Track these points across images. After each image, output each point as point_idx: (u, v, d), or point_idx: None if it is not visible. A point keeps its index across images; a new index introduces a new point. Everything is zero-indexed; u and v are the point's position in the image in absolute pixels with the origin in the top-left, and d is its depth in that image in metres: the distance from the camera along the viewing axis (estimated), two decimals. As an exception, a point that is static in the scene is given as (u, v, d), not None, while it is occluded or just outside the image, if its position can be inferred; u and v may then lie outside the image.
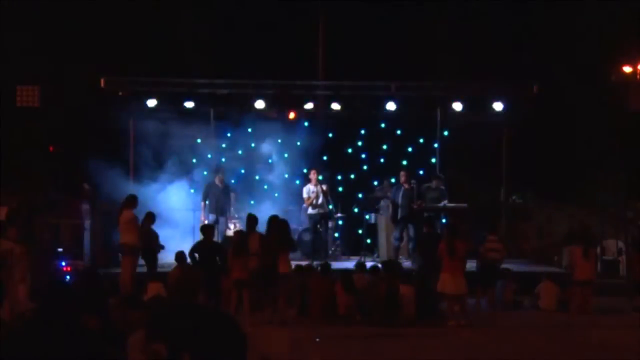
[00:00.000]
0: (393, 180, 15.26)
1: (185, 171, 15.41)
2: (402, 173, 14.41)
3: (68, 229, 13.93)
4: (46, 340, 3.80)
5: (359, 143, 16.53)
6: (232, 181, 15.10)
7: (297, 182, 15.53)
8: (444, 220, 14.38)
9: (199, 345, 3.30)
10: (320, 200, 14.34)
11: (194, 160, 15.80)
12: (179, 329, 3.33)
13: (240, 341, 3.45)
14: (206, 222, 13.65)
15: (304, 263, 12.77)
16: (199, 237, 13.70)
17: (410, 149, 16.39)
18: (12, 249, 9.88)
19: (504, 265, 12.59)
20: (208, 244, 11.64)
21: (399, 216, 14.17)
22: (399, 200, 14.11)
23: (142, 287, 11.71)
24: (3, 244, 9.92)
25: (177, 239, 13.77)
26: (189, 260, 11.31)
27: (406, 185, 14.16)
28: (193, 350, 3.29)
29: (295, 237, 14.58)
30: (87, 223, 13.66)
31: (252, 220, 11.23)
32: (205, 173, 15.33)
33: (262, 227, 11.25)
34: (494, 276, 12.00)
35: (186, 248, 11.82)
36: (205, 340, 3.30)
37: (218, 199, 14.09)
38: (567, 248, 15.05)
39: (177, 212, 14.75)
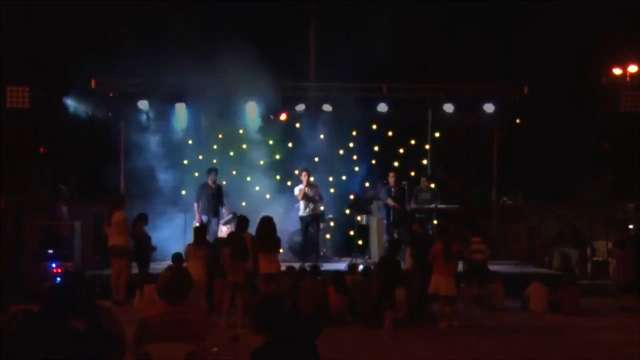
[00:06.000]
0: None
1: (176, 173, 15.38)
2: (390, 174, 14.44)
3: (58, 230, 13.88)
4: (35, 341, 3.79)
5: (351, 144, 16.53)
6: (224, 182, 15.07)
7: (289, 183, 15.52)
8: (435, 222, 14.39)
9: None
10: (311, 202, 14.32)
11: (185, 162, 15.77)
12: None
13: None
14: (198, 223, 13.63)
15: (295, 264, 12.74)
16: (191, 237, 13.66)
17: (401, 151, 16.42)
18: None
19: (493, 267, 12.60)
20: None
21: (391, 218, 14.19)
22: (388, 201, 14.15)
23: (134, 289, 11.69)
24: None
25: (168, 240, 13.74)
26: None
27: (394, 187, 14.18)
28: None
29: (286, 238, 14.55)
30: (77, 224, 13.59)
31: (242, 221, 11.21)
32: (196, 174, 15.32)
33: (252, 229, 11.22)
34: (482, 277, 12.02)
35: (177, 249, 11.77)
36: None
37: (210, 200, 14.07)
38: (558, 249, 15.09)
39: (169, 213, 14.72)
